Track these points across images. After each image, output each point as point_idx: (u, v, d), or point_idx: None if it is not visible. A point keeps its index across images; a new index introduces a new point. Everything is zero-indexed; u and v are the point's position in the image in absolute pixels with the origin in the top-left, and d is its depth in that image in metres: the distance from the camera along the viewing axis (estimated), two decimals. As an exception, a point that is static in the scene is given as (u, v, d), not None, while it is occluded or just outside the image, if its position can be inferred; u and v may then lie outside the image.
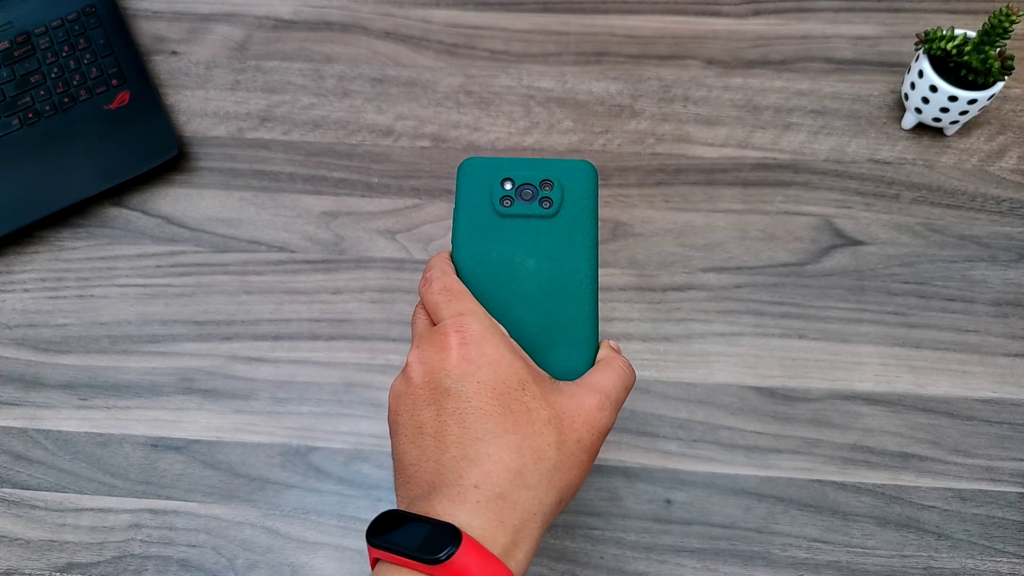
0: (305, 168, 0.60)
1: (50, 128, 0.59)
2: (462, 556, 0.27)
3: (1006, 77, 0.53)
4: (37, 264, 0.57)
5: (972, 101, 0.54)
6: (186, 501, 0.49)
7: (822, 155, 0.59)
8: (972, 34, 0.54)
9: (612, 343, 0.36)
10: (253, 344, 0.54)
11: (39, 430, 0.52)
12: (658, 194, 0.58)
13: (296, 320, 0.54)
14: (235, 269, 0.56)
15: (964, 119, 0.56)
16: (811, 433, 0.50)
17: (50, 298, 0.56)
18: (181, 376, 0.53)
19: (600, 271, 0.56)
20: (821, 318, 0.53)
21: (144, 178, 0.59)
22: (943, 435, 0.50)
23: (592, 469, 0.49)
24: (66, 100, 0.60)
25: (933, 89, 0.54)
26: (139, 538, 0.48)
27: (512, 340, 0.34)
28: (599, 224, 0.46)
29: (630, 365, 0.35)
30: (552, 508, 0.31)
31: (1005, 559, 0.47)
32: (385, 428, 0.51)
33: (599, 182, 0.40)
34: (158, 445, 0.51)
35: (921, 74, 0.55)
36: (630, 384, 0.35)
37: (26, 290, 0.56)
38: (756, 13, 0.65)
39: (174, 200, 0.59)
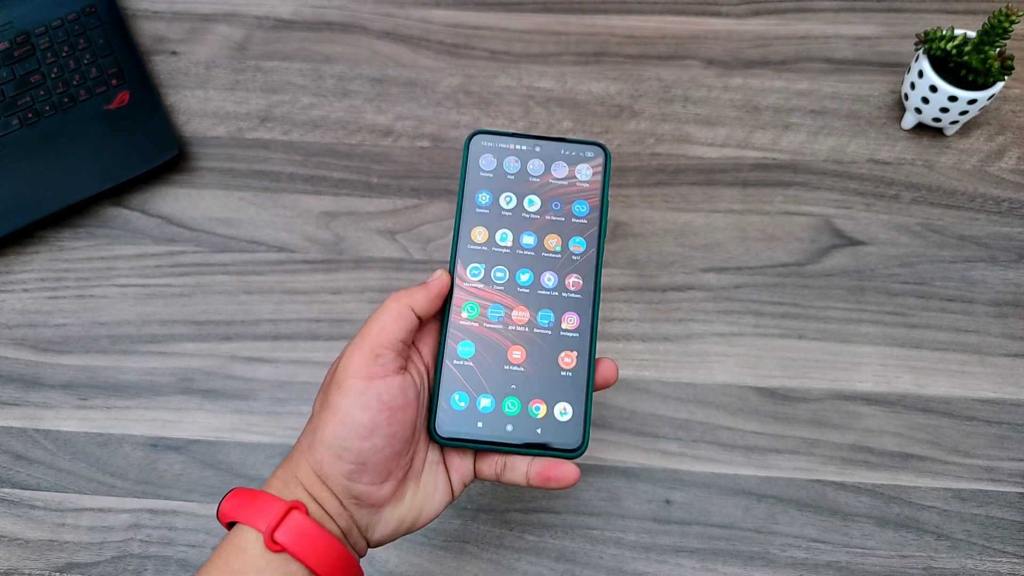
0: (305, 168, 0.60)
1: (50, 128, 0.59)
2: None
3: (1006, 77, 0.53)
4: (37, 264, 0.57)
5: (972, 101, 0.54)
6: (186, 501, 0.49)
7: (822, 155, 0.59)
8: (972, 34, 0.54)
9: None
10: (253, 344, 0.54)
11: (39, 430, 0.52)
12: (658, 194, 0.58)
13: (296, 320, 0.54)
14: (235, 269, 0.56)
15: (964, 119, 0.56)
16: (811, 433, 0.50)
17: (50, 298, 0.56)
18: (181, 376, 0.53)
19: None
20: (821, 318, 0.53)
21: (144, 178, 0.59)
22: (943, 435, 0.50)
23: (592, 469, 0.49)
24: (66, 100, 0.60)
25: (933, 89, 0.54)
26: (139, 538, 0.48)
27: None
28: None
29: None
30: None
31: (1005, 559, 0.47)
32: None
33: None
34: (158, 445, 0.51)
35: (921, 74, 0.55)
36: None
37: (26, 290, 0.56)
38: (756, 13, 0.65)
39: (174, 200, 0.59)
